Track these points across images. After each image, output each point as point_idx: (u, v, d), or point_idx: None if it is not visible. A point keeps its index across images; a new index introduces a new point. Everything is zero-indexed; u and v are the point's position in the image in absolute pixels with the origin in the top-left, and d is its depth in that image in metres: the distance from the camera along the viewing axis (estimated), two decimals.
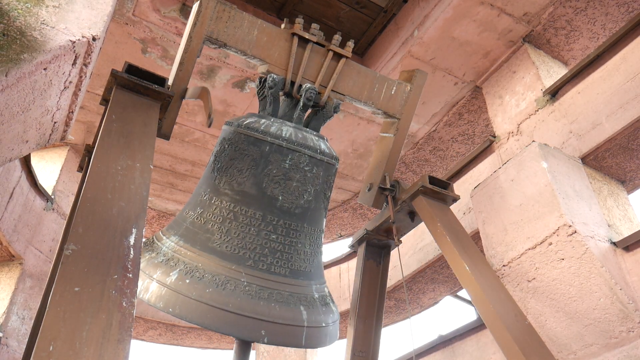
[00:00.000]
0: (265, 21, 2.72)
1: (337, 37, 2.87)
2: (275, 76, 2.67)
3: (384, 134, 3.15)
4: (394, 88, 3.05)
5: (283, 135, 2.55)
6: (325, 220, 2.74)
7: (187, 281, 2.17)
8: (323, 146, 2.68)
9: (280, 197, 2.45)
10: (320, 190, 2.61)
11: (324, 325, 2.40)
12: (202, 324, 2.11)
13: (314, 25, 2.80)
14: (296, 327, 2.25)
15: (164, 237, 2.46)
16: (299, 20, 2.77)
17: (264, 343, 2.19)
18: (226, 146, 2.58)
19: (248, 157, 2.49)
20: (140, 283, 2.05)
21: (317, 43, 2.81)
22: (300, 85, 2.76)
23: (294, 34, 2.74)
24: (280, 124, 2.61)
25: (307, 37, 2.76)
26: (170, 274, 2.20)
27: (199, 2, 2.53)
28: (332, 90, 2.85)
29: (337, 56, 2.86)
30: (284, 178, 2.48)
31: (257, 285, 2.25)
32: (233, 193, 2.44)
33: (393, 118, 3.07)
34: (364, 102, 2.97)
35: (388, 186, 2.99)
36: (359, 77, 2.95)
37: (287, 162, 2.50)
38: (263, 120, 2.61)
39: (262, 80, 2.74)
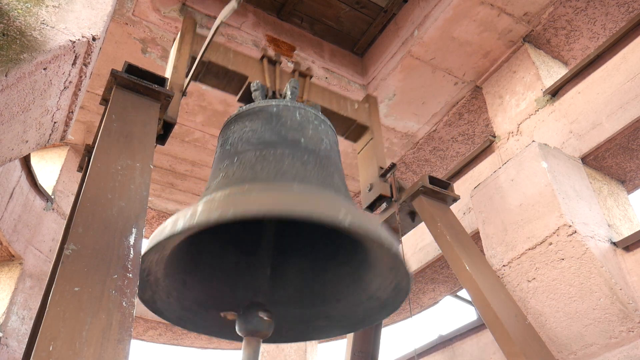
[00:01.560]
0: (235, 51, 3.08)
1: (301, 63, 3.32)
2: (258, 82, 2.86)
3: (363, 149, 3.40)
4: (356, 104, 3.44)
5: (284, 101, 2.55)
6: (344, 179, 2.59)
7: (238, 192, 1.89)
8: (321, 114, 2.66)
9: (302, 140, 2.32)
10: (333, 146, 2.51)
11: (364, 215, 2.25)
12: (273, 213, 1.80)
13: (276, 53, 3.22)
14: (371, 218, 2.08)
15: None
16: (265, 47, 3.25)
17: (344, 227, 1.78)
18: (232, 127, 2.47)
19: (259, 119, 2.40)
20: (181, 220, 1.69)
21: (282, 67, 3.13)
22: (281, 93, 2.89)
23: (263, 57, 3.09)
24: (277, 100, 2.61)
25: (274, 58, 3.12)
26: (216, 196, 1.85)
27: (179, 34, 2.89)
28: (307, 100, 3.05)
29: (303, 75, 3.18)
30: (300, 127, 2.40)
31: (314, 190, 2.09)
32: (254, 146, 2.25)
33: (365, 128, 3.38)
34: (336, 111, 3.25)
35: (387, 167, 3.09)
36: (324, 93, 3.30)
37: (297, 115, 2.47)
38: (261, 100, 2.63)
39: (245, 87, 2.96)
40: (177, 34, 3.00)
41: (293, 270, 2.52)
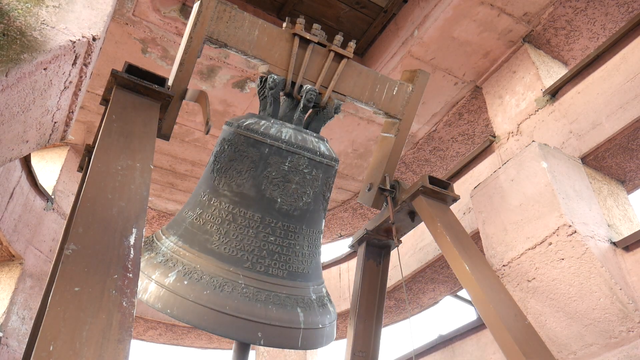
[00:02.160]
0: (266, 21, 2.71)
1: (338, 38, 2.86)
2: (275, 77, 2.66)
3: (385, 134, 3.14)
4: (396, 88, 3.04)
5: (282, 137, 2.55)
6: (324, 221, 2.75)
7: (185, 282, 2.18)
8: (323, 148, 2.68)
9: (279, 200, 2.45)
10: (319, 192, 2.61)
11: (320, 326, 2.41)
12: (199, 326, 2.13)
13: (316, 26, 2.79)
14: (293, 329, 2.27)
15: (164, 237, 2.46)
16: (300, 21, 2.75)
17: (260, 345, 2.21)
18: (226, 147, 2.58)
19: (247, 158, 2.49)
20: (139, 283, 2.05)
21: (318, 43, 2.79)
22: (301, 86, 2.75)
23: (295, 35, 2.73)
24: (280, 125, 2.61)
25: (308, 37, 2.74)
26: (169, 274, 2.21)
27: (199, 2, 2.51)
28: (333, 90, 2.83)
29: (339, 57, 2.85)
30: (283, 180, 2.48)
31: (254, 287, 2.27)
32: (232, 194, 2.44)
33: (394, 118, 3.07)
34: (365, 102, 2.96)
35: (388, 187, 2.99)
36: (360, 77, 2.94)
37: (287, 164, 2.51)
38: (263, 122, 2.61)
39: (263, 80, 2.73)
40: (177, 34, 2.94)
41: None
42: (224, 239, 2.34)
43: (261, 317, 2.20)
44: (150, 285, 2.20)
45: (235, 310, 2.16)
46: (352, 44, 2.88)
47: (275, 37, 2.71)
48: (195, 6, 2.54)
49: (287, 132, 2.58)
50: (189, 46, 2.51)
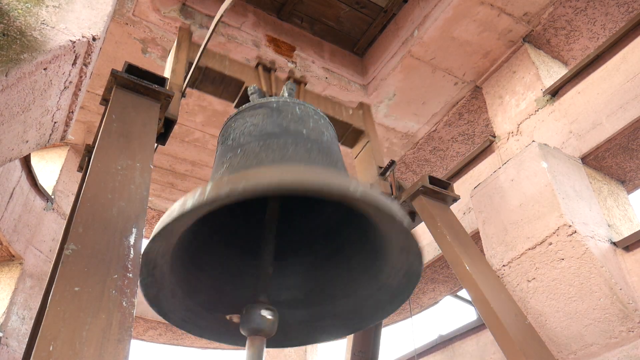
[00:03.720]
0: (232, 59, 3.11)
1: (294, 68, 3.44)
2: (255, 86, 2.88)
3: (360, 152, 3.42)
4: (350, 110, 3.47)
5: (284, 98, 2.53)
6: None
7: (247, 170, 1.95)
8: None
9: (304, 131, 2.30)
10: (333, 140, 2.49)
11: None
12: (285, 184, 1.63)
13: (271, 60, 3.23)
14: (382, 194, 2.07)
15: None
16: (259, 54, 3.16)
17: (355, 198, 1.70)
18: (233, 124, 2.43)
19: (260, 114, 2.37)
20: (190, 200, 1.59)
21: (275, 70, 3.16)
22: (276, 94, 2.92)
23: (258, 64, 3.12)
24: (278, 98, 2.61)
25: (269, 66, 3.16)
26: (224, 176, 1.93)
27: (174, 43, 2.94)
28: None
29: (298, 82, 3.19)
30: (301, 119, 2.37)
31: (317, 168, 2.09)
32: (257, 137, 2.23)
33: (361, 132, 3.40)
34: (332, 116, 3.26)
35: (386, 165, 3.10)
36: (320, 99, 3.32)
37: (297, 109, 2.46)
38: (260, 99, 2.62)
39: (242, 91, 3.00)
40: (177, 35, 3.02)
41: (298, 268, 2.48)
42: (266, 158, 2.11)
43: (345, 177, 1.93)
44: (208, 186, 1.63)
45: (317, 171, 1.93)
46: (306, 75, 3.42)
47: (243, 66, 3.14)
48: (172, 49, 2.96)
49: (285, 98, 2.56)
50: (176, 63, 2.82)
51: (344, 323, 2.35)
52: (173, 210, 1.62)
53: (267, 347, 2.11)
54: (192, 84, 2.95)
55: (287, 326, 2.29)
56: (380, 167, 3.16)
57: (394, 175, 3.04)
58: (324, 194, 1.78)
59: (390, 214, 1.77)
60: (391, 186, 3.06)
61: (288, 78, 3.15)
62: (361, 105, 3.59)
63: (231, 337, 2.33)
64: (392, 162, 3.06)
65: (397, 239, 1.97)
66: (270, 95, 2.95)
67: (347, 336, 3.02)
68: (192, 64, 2.70)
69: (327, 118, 2.61)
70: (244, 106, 2.53)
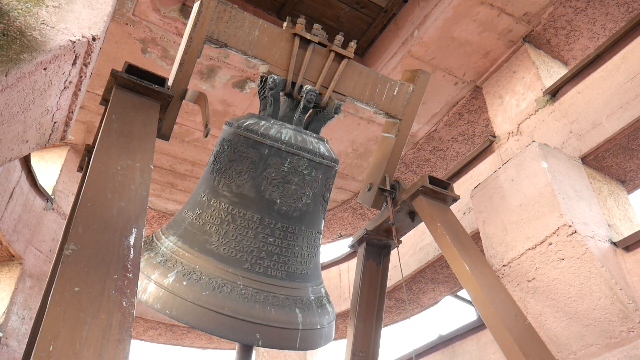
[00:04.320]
0: (267, 21, 2.71)
1: (339, 38, 2.84)
2: (275, 77, 2.65)
3: (386, 134, 3.13)
4: (396, 89, 3.02)
5: (282, 138, 2.55)
6: (323, 221, 2.75)
7: (185, 283, 2.19)
8: (322, 149, 2.68)
9: (278, 201, 2.45)
10: (319, 192, 2.61)
11: (319, 327, 2.41)
12: (197, 327, 2.14)
13: (316, 26, 2.78)
14: (291, 330, 2.27)
15: (163, 237, 2.46)
16: (301, 21, 2.74)
17: (258, 346, 2.23)
18: (225, 147, 2.58)
19: (247, 159, 2.49)
20: (138, 283, 2.05)
21: (319, 43, 2.78)
22: (302, 86, 2.74)
23: (295, 35, 2.72)
24: (280, 126, 2.61)
25: (308, 37, 2.73)
26: (168, 275, 2.21)
27: (199, 2, 2.50)
28: (333, 91, 2.82)
29: (339, 57, 2.83)
30: (283, 181, 2.48)
31: (253, 288, 2.27)
32: (232, 195, 2.44)
33: (395, 119, 3.05)
34: (365, 102, 2.94)
35: (388, 187, 2.99)
36: (360, 77, 2.92)
37: (286, 165, 2.50)
38: (263, 122, 2.60)
39: (263, 79, 2.72)
40: (177, 34, 2.95)
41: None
42: (223, 239, 2.35)
43: (259, 318, 2.20)
44: (150, 286, 2.20)
45: (233, 311, 2.17)
46: (352, 44, 2.86)
47: (275, 37, 2.70)
48: (195, 6, 2.53)
49: (286, 132, 2.58)
50: (189, 46, 2.51)
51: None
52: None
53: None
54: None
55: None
56: (386, 178, 3.01)
57: (391, 199, 2.97)
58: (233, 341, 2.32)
59: None
60: (386, 202, 3.00)
61: (329, 51, 2.79)
62: (416, 74, 3.08)
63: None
64: (393, 190, 2.98)
65: None
66: (293, 83, 2.71)
67: (346, 336, 3.02)
68: (213, 38, 2.52)
69: (323, 163, 2.63)
70: (243, 128, 2.55)
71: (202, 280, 2.21)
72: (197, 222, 2.43)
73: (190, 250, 2.32)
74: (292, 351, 6.61)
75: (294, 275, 2.44)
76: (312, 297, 2.48)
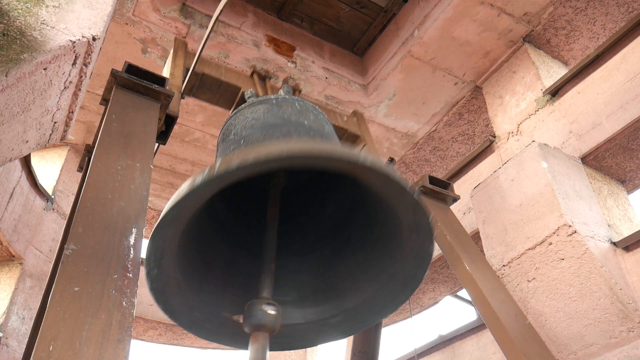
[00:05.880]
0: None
1: (288, 79, 3.24)
2: (252, 90, 2.89)
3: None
4: (345, 117, 3.48)
5: (284, 94, 2.57)
6: None
7: (254, 145, 2.03)
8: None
9: (305, 122, 2.34)
10: (334, 134, 2.54)
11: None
12: (295, 153, 1.61)
13: (266, 69, 3.26)
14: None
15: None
16: (254, 64, 3.26)
17: (365, 165, 1.68)
18: (233, 121, 2.49)
19: (260, 109, 2.42)
20: (199, 176, 1.57)
21: (269, 78, 3.19)
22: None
23: (253, 73, 3.16)
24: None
25: (263, 74, 3.19)
26: (231, 149, 2.06)
27: (171, 52, 2.96)
28: None
29: (292, 88, 3.19)
30: (301, 112, 2.42)
31: (324, 141, 2.17)
32: (259, 128, 2.29)
33: (356, 136, 3.40)
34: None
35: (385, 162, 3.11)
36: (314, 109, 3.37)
37: (297, 105, 2.49)
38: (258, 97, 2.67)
39: (237, 100, 3.05)
40: (177, 34, 3.05)
41: (305, 266, 2.46)
42: (270, 139, 2.21)
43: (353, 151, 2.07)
44: (217, 163, 1.65)
45: (323, 143, 1.93)
46: (300, 84, 3.31)
47: (239, 75, 3.15)
48: (170, 54, 2.98)
49: (283, 95, 2.61)
50: (173, 69, 2.83)
51: (354, 318, 2.29)
52: (182, 189, 1.57)
53: (276, 349, 2.08)
54: (189, 91, 3.01)
55: (295, 327, 2.27)
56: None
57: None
58: (335, 163, 1.73)
59: (399, 183, 1.72)
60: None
61: (284, 82, 3.18)
62: (354, 114, 3.66)
63: (238, 340, 2.30)
64: (391, 160, 3.07)
65: (405, 217, 1.89)
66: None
67: (349, 336, 3.02)
68: (189, 70, 2.74)
69: (325, 115, 2.63)
70: (243, 105, 2.55)
71: (267, 140, 2.10)
72: (235, 150, 2.24)
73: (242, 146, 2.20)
74: (292, 350, 6.60)
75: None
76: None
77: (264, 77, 3.21)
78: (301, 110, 2.41)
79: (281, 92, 2.86)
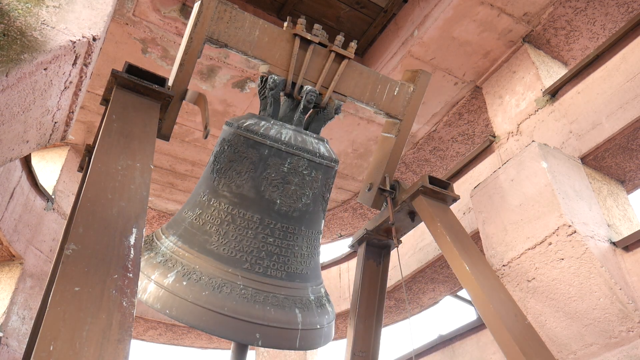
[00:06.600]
0: (267, 21, 2.72)
1: (339, 38, 2.85)
2: (276, 77, 2.65)
3: (386, 134, 3.13)
4: (397, 89, 3.02)
5: (282, 138, 2.55)
6: (323, 222, 2.75)
7: (184, 283, 2.19)
8: (322, 149, 2.68)
9: (278, 201, 2.46)
10: (318, 193, 2.61)
11: (318, 327, 2.41)
12: (197, 327, 2.15)
13: (317, 26, 2.78)
14: (290, 330, 2.28)
15: (163, 236, 2.47)
16: (302, 21, 2.74)
17: (258, 346, 2.23)
18: (225, 147, 2.58)
19: (247, 159, 2.49)
20: (139, 283, 2.05)
21: (319, 44, 2.78)
22: (302, 87, 2.74)
23: (295, 35, 2.72)
24: (280, 126, 2.61)
25: (309, 37, 2.73)
26: (168, 275, 2.22)
27: (200, 2, 2.51)
28: (333, 91, 2.82)
29: (340, 57, 2.83)
30: (283, 182, 2.48)
31: (253, 288, 2.28)
32: (231, 195, 2.45)
33: (395, 119, 3.05)
34: (365, 103, 2.94)
35: (388, 188, 2.99)
36: (361, 78, 2.92)
37: (286, 165, 2.51)
38: (263, 123, 2.61)
39: (264, 79, 2.72)
40: (177, 34, 2.96)
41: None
42: (223, 239, 2.35)
43: (259, 318, 2.21)
44: (150, 286, 2.21)
45: (233, 311, 2.17)
46: (353, 44, 2.86)
47: (275, 38, 2.70)
48: (196, 6, 2.53)
49: (286, 133, 2.58)
50: (189, 46, 2.50)
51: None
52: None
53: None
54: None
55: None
56: (386, 178, 3.02)
57: (391, 199, 2.98)
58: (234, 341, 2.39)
59: None
60: (386, 202, 3.01)
61: (330, 51, 2.79)
62: (416, 75, 3.08)
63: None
64: (393, 190, 2.99)
65: None
66: (293, 84, 2.71)
67: (346, 336, 3.02)
68: (213, 38, 2.52)
69: (323, 163, 2.63)
70: (243, 128, 2.55)
71: (202, 280, 2.21)
72: (197, 222, 2.43)
73: (190, 250, 2.33)
74: (292, 351, 6.62)
75: (293, 275, 2.44)
76: (312, 297, 2.48)
77: (308, 42, 2.73)
78: (285, 177, 2.52)
79: (304, 96, 2.70)
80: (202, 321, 2.12)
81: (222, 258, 2.31)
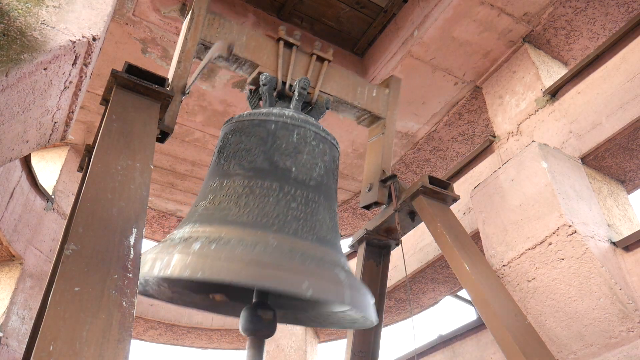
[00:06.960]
0: (258, 25, 2.90)
1: (317, 44, 3.12)
2: (267, 74, 2.82)
3: (373, 138, 3.32)
4: (375, 91, 3.32)
5: (286, 114, 2.57)
6: (336, 203, 2.64)
7: (213, 247, 1.99)
8: (323, 128, 2.70)
9: (293, 169, 2.37)
10: (329, 168, 2.56)
11: (364, 292, 2.22)
12: (239, 282, 1.93)
13: (296, 32, 3.06)
14: (337, 284, 2.04)
15: (176, 231, 2.30)
16: (282, 27, 3.01)
17: (306, 297, 2.00)
18: (230, 137, 2.54)
19: (255, 137, 2.46)
20: (158, 264, 1.89)
21: (300, 49, 3.04)
22: (291, 85, 2.88)
23: (279, 39, 2.97)
24: (281, 109, 2.65)
25: (291, 41, 2.99)
26: (193, 244, 2.01)
27: (191, 11, 2.74)
28: (320, 90, 3.01)
29: (321, 59, 3.09)
30: (294, 151, 2.44)
31: (288, 247, 2.08)
32: (245, 171, 2.34)
33: (379, 119, 3.29)
34: (350, 102, 3.17)
35: (389, 175, 3.06)
36: (342, 79, 3.18)
37: (294, 136, 2.49)
38: (263, 109, 2.65)
39: (252, 91, 2.92)
40: (177, 34, 3.01)
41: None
42: (244, 209, 2.18)
43: (301, 272, 1.99)
44: (174, 258, 1.94)
45: (274, 264, 1.96)
46: (330, 50, 3.14)
47: (261, 42, 2.95)
48: (188, 16, 2.77)
49: (288, 112, 2.61)
50: (185, 46, 2.68)
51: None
52: (143, 265, 1.92)
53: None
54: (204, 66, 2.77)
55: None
56: (384, 171, 3.11)
57: (394, 186, 3.02)
58: (278, 292, 2.25)
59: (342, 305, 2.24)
60: (390, 193, 3.03)
61: (311, 54, 3.04)
62: (389, 81, 3.37)
63: (218, 308, 2.57)
64: (394, 176, 3.05)
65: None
66: (284, 83, 2.86)
67: (346, 336, 3.02)
68: (206, 41, 2.71)
69: (328, 138, 2.64)
70: (245, 116, 2.56)
71: (232, 242, 2.01)
72: (211, 205, 2.27)
73: (210, 226, 2.15)
74: (292, 350, 6.62)
75: (324, 241, 2.27)
76: (347, 268, 2.28)
77: (290, 45, 3.00)
78: (296, 146, 2.47)
79: (296, 85, 2.83)
80: (242, 275, 1.89)
81: (247, 224, 2.13)
